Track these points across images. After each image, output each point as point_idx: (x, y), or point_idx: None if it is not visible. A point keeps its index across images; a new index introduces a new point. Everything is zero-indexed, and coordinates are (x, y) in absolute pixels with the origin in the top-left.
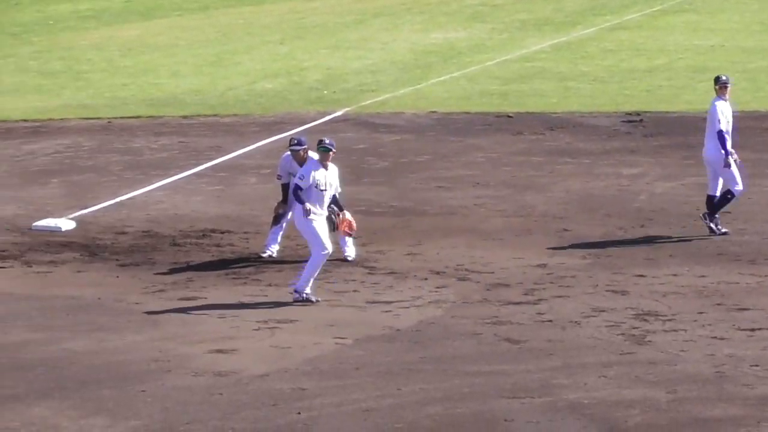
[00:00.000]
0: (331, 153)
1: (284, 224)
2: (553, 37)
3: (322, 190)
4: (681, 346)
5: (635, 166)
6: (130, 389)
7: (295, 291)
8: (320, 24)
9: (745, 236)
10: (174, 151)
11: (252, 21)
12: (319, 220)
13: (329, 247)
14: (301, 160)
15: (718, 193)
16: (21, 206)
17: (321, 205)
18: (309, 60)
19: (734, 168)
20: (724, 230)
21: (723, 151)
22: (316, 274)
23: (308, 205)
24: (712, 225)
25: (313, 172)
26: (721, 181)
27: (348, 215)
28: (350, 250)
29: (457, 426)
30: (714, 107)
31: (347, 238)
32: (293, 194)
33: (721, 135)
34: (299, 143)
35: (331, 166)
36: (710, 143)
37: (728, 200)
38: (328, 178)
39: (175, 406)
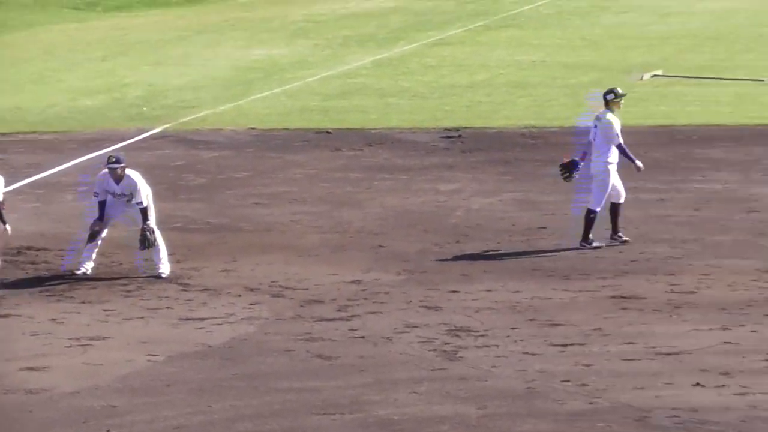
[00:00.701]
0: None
1: (99, 242)
2: (375, 53)
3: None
4: (492, 362)
5: (453, 182)
6: None
7: None
8: (143, 40)
9: (560, 252)
10: None
11: (76, 38)
12: None
13: None
14: (118, 178)
15: (621, 201)
16: None
17: None
18: (131, 76)
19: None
20: (596, 244)
21: (632, 161)
22: None
23: None
24: (616, 237)
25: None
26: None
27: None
28: (164, 267)
29: None
30: (610, 122)
31: (162, 255)
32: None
33: (622, 147)
34: (117, 161)
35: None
36: (601, 157)
37: (592, 220)
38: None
39: None
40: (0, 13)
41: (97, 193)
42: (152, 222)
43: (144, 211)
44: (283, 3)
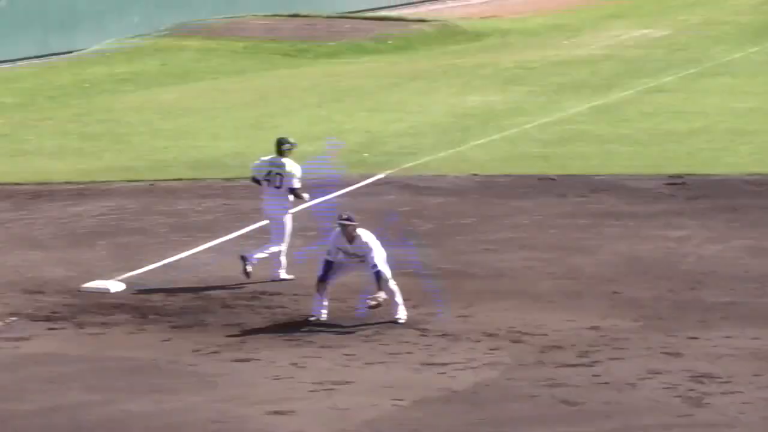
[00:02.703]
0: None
1: (327, 288)
2: (590, 100)
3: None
4: (739, 409)
5: (681, 228)
6: None
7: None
8: (357, 87)
9: None
10: (219, 213)
11: (289, 84)
12: None
13: None
14: (350, 237)
15: None
16: (69, 268)
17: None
18: (348, 122)
19: None
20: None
21: None
22: None
23: None
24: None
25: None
26: None
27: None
28: (401, 312)
29: None
30: None
31: (397, 299)
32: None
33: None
34: (349, 219)
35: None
36: None
37: None
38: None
39: None
40: (212, 60)
41: (331, 252)
42: (390, 283)
43: (378, 275)
44: (494, 51)
